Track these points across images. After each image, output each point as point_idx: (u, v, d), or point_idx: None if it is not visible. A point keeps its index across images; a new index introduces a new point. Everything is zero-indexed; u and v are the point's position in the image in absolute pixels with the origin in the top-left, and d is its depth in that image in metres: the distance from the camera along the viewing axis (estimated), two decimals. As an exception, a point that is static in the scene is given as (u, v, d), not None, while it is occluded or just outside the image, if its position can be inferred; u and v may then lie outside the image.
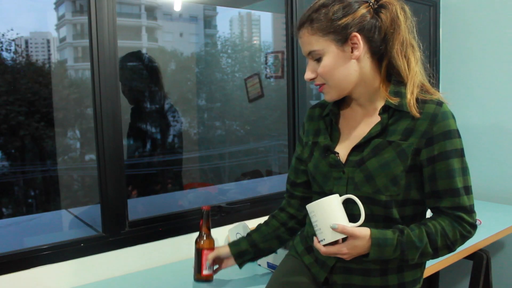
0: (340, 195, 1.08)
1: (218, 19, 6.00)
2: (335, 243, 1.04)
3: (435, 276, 2.37)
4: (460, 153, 1.08)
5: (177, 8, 4.87)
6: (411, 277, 1.15)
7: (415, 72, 1.10)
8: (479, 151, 2.51)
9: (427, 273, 1.54)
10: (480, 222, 1.97)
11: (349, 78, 1.10)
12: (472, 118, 2.55)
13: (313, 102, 1.38)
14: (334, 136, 1.19)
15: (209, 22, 5.81)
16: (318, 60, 1.09)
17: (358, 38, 1.06)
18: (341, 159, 1.14)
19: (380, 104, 1.12)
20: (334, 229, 1.02)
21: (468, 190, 1.09)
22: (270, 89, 4.16)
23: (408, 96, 1.08)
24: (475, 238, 1.80)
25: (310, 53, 1.10)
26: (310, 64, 1.12)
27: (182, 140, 2.84)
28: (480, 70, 2.50)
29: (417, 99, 1.09)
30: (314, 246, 1.08)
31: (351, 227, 1.03)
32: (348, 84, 1.10)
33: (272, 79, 3.41)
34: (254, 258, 1.38)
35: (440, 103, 1.08)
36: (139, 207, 2.38)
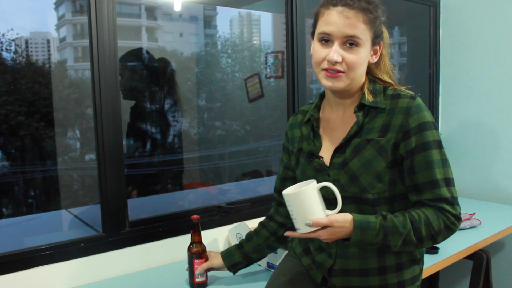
0: (329, 198, 1.08)
1: (218, 19, 6.00)
2: None
3: (435, 276, 2.37)
4: (438, 145, 1.07)
5: (177, 8, 4.86)
6: (410, 275, 1.15)
7: (392, 72, 1.20)
8: (479, 150, 2.51)
9: (427, 273, 1.54)
10: (480, 222, 1.97)
11: (362, 75, 1.13)
12: (472, 117, 2.55)
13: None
14: (317, 140, 1.19)
15: (209, 22, 5.81)
16: (350, 45, 1.06)
17: (381, 46, 1.14)
18: (325, 163, 1.14)
19: (357, 101, 1.14)
20: (309, 225, 1.02)
21: (449, 182, 1.07)
22: (270, 89, 4.16)
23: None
24: (475, 238, 1.81)
25: (350, 36, 1.05)
26: (340, 47, 1.06)
27: (181, 139, 2.85)
28: (480, 70, 2.50)
29: (391, 95, 1.11)
30: (291, 234, 1.09)
31: (327, 216, 1.03)
32: (358, 79, 1.12)
33: (272, 79, 3.41)
34: (247, 265, 1.42)
35: (413, 97, 1.09)
36: (139, 207, 2.38)
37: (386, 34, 1.17)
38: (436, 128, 1.09)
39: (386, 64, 1.18)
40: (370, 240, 1.03)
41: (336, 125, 1.18)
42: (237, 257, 1.38)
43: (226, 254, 1.40)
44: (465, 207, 1.84)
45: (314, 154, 1.17)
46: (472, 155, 2.52)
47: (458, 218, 1.06)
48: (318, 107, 1.23)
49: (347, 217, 1.03)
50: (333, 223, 1.02)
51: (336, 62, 1.06)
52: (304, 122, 1.25)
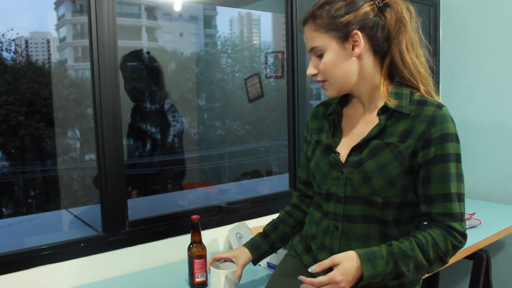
0: (339, 195, 1.11)
1: (218, 19, 6.01)
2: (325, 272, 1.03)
3: (435, 276, 2.37)
4: (457, 158, 1.05)
5: (177, 8, 4.87)
6: (410, 278, 1.15)
7: (418, 71, 1.10)
8: (479, 151, 2.51)
9: (427, 273, 1.54)
10: (480, 222, 1.97)
11: (349, 75, 1.10)
12: (472, 118, 2.55)
13: (313, 102, 1.39)
14: (337, 135, 1.19)
15: (209, 22, 5.81)
16: (320, 56, 1.10)
17: (359, 36, 1.06)
18: (341, 159, 1.14)
19: (381, 103, 1.12)
20: (313, 271, 1.03)
21: (460, 197, 1.06)
22: (270, 89, 4.16)
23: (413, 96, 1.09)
24: (475, 238, 1.81)
25: (312, 49, 1.11)
26: (313, 60, 1.12)
27: (182, 140, 2.84)
28: (480, 70, 2.50)
29: (417, 100, 1.08)
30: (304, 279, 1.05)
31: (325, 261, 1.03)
32: (348, 81, 1.11)
33: (272, 79, 3.41)
34: (270, 254, 1.38)
35: (440, 106, 1.06)
36: (139, 207, 2.38)
37: (389, 16, 1.08)
38: (458, 141, 1.06)
39: (404, 57, 1.08)
40: (382, 270, 1.00)
41: (357, 123, 1.17)
42: (264, 248, 1.33)
43: (253, 247, 1.33)
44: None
45: (331, 148, 1.16)
46: (472, 155, 2.52)
47: (464, 236, 1.06)
48: (342, 102, 1.22)
49: (350, 251, 1.03)
50: (336, 260, 1.01)
51: (312, 75, 1.14)
52: (326, 115, 1.24)
